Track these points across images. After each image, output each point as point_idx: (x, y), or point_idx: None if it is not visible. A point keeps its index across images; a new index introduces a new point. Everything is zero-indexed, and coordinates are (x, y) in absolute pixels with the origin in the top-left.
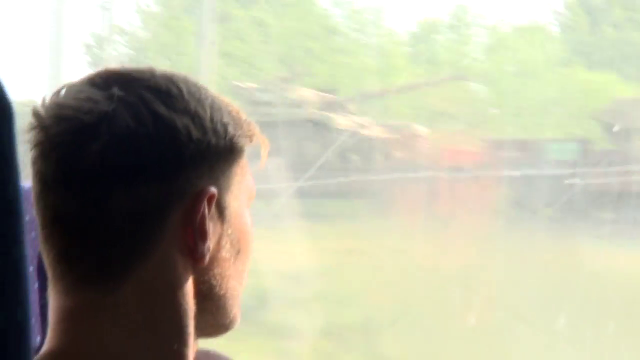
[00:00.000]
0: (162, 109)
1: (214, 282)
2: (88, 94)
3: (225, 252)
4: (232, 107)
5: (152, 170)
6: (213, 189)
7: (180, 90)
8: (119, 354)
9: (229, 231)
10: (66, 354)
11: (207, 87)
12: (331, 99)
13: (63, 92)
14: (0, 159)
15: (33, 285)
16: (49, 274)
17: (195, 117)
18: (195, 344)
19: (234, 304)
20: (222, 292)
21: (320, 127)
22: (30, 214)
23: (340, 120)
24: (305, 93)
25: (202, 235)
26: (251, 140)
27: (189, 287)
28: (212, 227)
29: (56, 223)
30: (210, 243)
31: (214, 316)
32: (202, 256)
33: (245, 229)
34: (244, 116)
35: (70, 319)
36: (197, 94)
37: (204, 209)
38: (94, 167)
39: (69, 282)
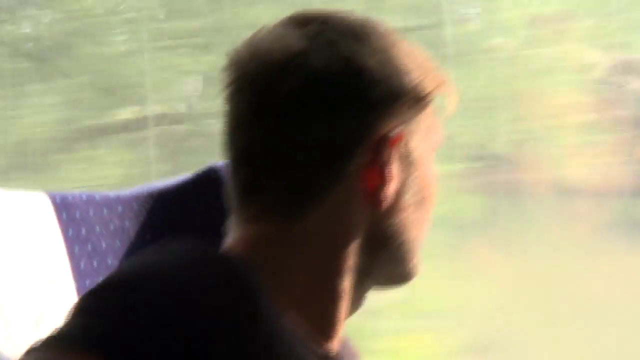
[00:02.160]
0: (353, 49)
1: (393, 230)
2: (283, 32)
3: (408, 199)
4: (422, 54)
5: (340, 109)
6: (398, 131)
7: (371, 33)
8: (290, 278)
9: (413, 177)
10: (233, 257)
11: (398, 33)
12: None
13: (260, 33)
14: None
15: None
16: (233, 207)
17: (384, 60)
18: (364, 291)
19: (413, 254)
20: (400, 240)
21: None
22: (115, 223)
23: None
24: None
25: (385, 177)
26: (439, 88)
27: (365, 229)
28: (395, 171)
29: (245, 157)
30: (392, 187)
31: (390, 265)
32: (383, 200)
33: (430, 177)
34: (434, 63)
35: (247, 244)
36: (388, 38)
37: (389, 150)
38: (284, 104)
39: (251, 213)
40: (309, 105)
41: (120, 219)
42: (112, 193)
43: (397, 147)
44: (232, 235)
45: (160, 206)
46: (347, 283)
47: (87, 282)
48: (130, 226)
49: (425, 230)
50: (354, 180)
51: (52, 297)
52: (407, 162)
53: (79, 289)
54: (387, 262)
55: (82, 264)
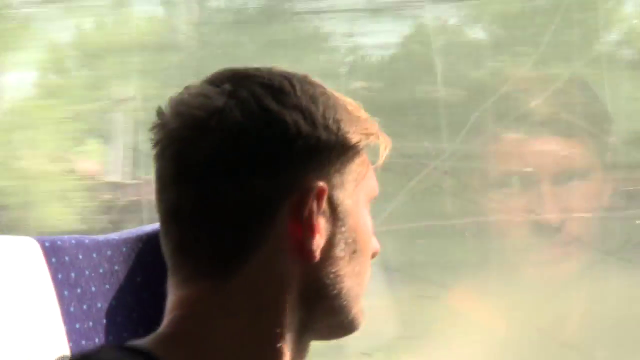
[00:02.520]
0: (272, 104)
1: (327, 281)
2: (203, 90)
3: (339, 251)
4: (351, 105)
5: (260, 164)
6: (321, 184)
7: (293, 87)
8: (226, 342)
9: (343, 229)
10: (174, 336)
11: (325, 86)
12: None
13: (184, 92)
14: None
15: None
16: (168, 267)
17: (306, 113)
18: (305, 344)
19: (352, 305)
20: (336, 291)
21: None
22: (104, 267)
23: None
24: None
25: (310, 230)
26: (368, 138)
27: (298, 284)
28: (322, 224)
29: (172, 218)
30: (320, 240)
31: (329, 317)
32: (311, 252)
33: (362, 228)
34: (363, 114)
35: (183, 307)
36: (311, 91)
37: (312, 203)
38: (205, 162)
39: (184, 275)
40: (227, 163)
41: (110, 263)
42: (101, 237)
43: (321, 200)
44: (169, 297)
45: (149, 249)
46: (286, 338)
47: (77, 325)
48: (120, 269)
49: (364, 281)
50: (281, 235)
51: (41, 341)
52: (335, 215)
53: (68, 333)
54: (325, 314)
55: (71, 308)
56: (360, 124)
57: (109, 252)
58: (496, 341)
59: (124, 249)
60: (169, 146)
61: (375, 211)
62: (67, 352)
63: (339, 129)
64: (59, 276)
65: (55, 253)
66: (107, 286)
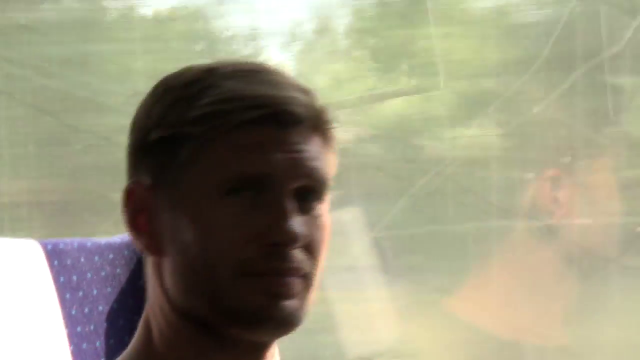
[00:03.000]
0: (143, 106)
1: (183, 271)
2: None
3: (180, 243)
4: (189, 99)
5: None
6: (140, 182)
7: (161, 86)
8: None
9: (174, 225)
10: (138, 353)
11: (179, 83)
12: None
13: None
14: None
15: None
16: None
17: (150, 112)
18: (218, 337)
19: (218, 296)
20: (190, 283)
21: None
22: (106, 270)
23: None
24: None
25: (136, 227)
26: (215, 129)
27: (162, 275)
28: (147, 221)
29: None
30: (145, 237)
31: (208, 310)
32: (147, 247)
33: (201, 222)
34: (226, 105)
35: (144, 314)
36: (160, 88)
37: (133, 201)
38: None
39: None
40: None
41: (112, 266)
42: (103, 240)
43: (143, 196)
44: None
45: None
46: (188, 335)
47: (79, 328)
48: (122, 272)
49: (224, 273)
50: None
51: (43, 344)
52: (163, 211)
53: (70, 336)
54: (202, 308)
55: (73, 311)
56: (217, 119)
57: (111, 255)
58: (494, 344)
59: (126, 252)
60: None
61: (376, 216)
62: (68, 355)
63: (175, 124)
64: (61, 279)
65: (58, 256)
66: (109, 289)
